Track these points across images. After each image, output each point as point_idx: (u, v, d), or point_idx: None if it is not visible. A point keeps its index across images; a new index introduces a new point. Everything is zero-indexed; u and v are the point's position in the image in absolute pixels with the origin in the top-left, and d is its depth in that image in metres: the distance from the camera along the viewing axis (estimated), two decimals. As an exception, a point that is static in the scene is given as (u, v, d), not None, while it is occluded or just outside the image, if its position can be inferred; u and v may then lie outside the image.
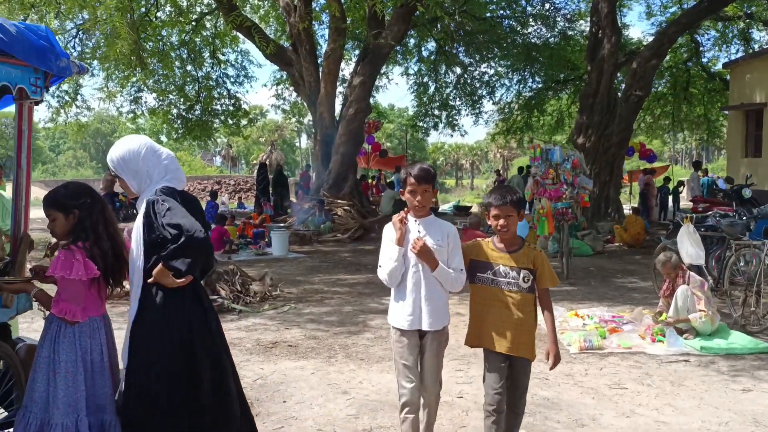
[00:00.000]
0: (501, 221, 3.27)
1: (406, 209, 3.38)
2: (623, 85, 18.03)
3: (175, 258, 2.77)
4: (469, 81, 23.72)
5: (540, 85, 23.32)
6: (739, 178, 14.24)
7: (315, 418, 4.28)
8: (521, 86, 23.71)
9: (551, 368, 3.36)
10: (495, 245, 3.36)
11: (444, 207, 23.46)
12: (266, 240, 13.47)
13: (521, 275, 3.27)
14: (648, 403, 4.60)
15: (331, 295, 8.67)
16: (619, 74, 18.80)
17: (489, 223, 3.36)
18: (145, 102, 20.90)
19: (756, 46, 21.53)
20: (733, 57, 21.35)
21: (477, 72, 23.80)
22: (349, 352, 5.89)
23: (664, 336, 6.10)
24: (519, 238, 3.37)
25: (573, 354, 5.78)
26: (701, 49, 22.57)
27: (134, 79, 18.24)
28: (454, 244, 3.33)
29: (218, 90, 21.10)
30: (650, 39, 19.29)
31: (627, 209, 17.92)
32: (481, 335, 3.36)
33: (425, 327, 3.30)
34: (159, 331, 2.86)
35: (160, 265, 2.79)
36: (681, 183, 22.75)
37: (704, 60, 23.10)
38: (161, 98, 20.00)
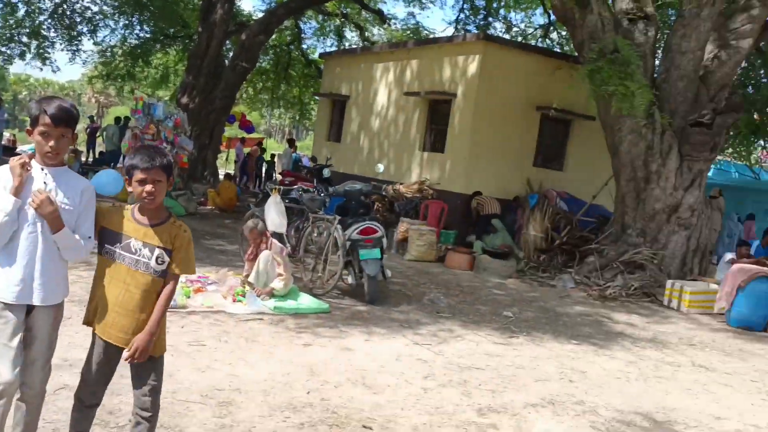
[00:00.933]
0: (148, 187, 2.76)
1: (29, 153, 2.77)
2: (231, 53, 18.52)
3: None
4: (68, 13, 21.38)
5: (148, 36, 22.37)
6: (322, 158, 15.94)
7: None
8: (127, 32, 22.39)
9: (126, 359, 2.80)
10: (134, 215, 2.86)
11: (23, 148, 20.80)
12: None
13: (155, 254, 2.81)
14: (223, 358, 4.89)
15: None
16: (228, 42, 19.21)
17: (130, 189, 2.85)
18: None
19: (347, 44, 24.36)
20: (328, 49, 23.80)
21: (79, 5, 21.60)
22: None
23: (244, 296, 6.54)
24: (165, 211, 2.90)
25: (156, 312, 5.78)
26: (303, 36, 24.54)
27: None
28: (88, 205, 2.81)
29: None
30: (260, 15, 20.18)
31: (222, 174, 18.52)
32: (95, 316, 2.87)
33: (36, 301, 2.74)
34: None
35: None
36: (273, 156, 24.46)
37: (304, 46, 25.17)
38: None
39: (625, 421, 4.63)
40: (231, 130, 26.48)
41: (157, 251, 2.81)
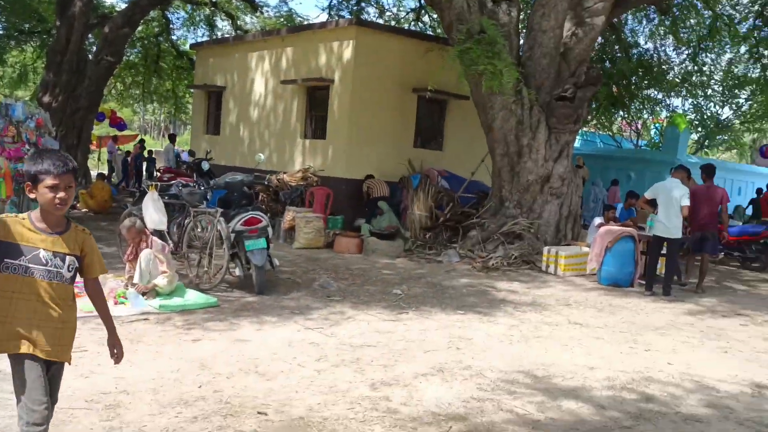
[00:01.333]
0: (62, 194, 2.63)
1: None
2: (95, 48, 17.60)
3: None
4: None
5: (1, 32, 20.82)
6: (201, 152, 15.53)
7: None
8: (-23, 29, 20.75)
9: (117, 363, 2.97)
10: (35, 224, 2.68)
11: None
12: None
13: (66, 263, 2.70)
14: (107, 362, 4.62)
15: None
16: (91, 36, 18.22)
17: (32, 196, 2.69)
18: None
19: (220, 34, 23.74)
20: (199, 39, 23.09)
21: None
22: None
23: (126, 298, 6.31)
24: (64, 217, 2.78)
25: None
26: (172, 26, 23.67)
27: None
28: None
29: None
30: (123, 6, 19.26)
31: (95, 175, 17.62)
32: (8, 338, 2.65)
33: None
34: None
35: None
36: (150, 152, 23.52)
37: (174, 37, 24.29)
38: None
39: (508, 380, 4.90)
40: (101, 129, 25.18)
41: (68, 259, 2.72)
